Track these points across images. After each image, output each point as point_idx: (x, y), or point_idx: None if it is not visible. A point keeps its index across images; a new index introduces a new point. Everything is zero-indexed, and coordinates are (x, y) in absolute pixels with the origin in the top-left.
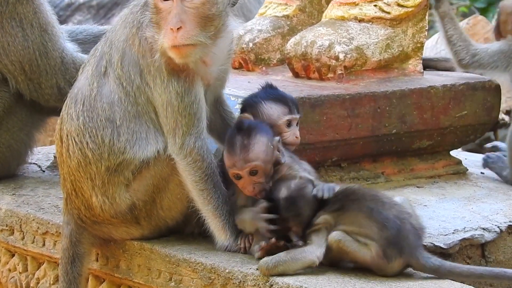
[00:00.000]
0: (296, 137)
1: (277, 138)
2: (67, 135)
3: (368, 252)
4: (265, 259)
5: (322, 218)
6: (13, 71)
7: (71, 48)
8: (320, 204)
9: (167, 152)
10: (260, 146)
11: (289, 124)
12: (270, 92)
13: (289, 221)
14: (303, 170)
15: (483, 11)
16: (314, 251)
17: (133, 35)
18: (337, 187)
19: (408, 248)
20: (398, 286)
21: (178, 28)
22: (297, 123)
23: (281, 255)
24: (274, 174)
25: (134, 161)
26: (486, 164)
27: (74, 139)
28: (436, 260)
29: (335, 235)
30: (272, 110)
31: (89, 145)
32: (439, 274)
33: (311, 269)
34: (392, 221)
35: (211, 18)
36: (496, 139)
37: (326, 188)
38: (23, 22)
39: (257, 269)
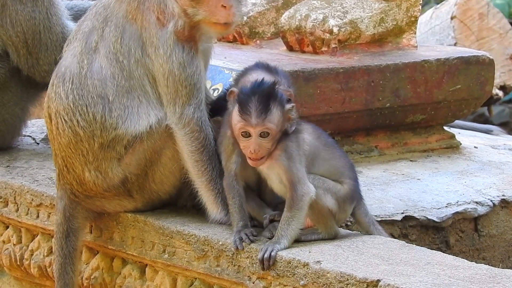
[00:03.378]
0: (250, 151)
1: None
2: (56, 114)
3: (342, 188)
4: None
5: None
6: (17, 43)
7: (71, 25)
8: None
9: (163, 123)
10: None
11: (245, 134)
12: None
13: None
14: None
15: None
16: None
17: (134, 10)
18: None
19: (360, 195)
20: (395, 256)
21: (231, 5)
22: (264, 134)
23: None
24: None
25: (127, 136)
26: None
27: (64, 118)
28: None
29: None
30: (234, 115)
31: (80, 123)
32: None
33: (303, 240)
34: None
35: None
36: (490, 115)
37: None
38: None
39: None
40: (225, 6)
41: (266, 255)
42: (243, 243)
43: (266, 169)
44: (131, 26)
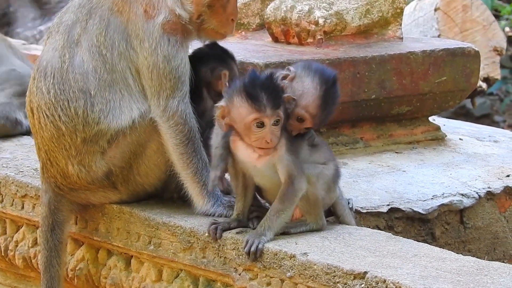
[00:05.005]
0: (266, 141)
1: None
2: (37, 108)
3: (329, 168)
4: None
5: None
6: None
7: None
8: None
9: (147, 117)
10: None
11: (260, 125)
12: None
13: None
14: None
15: None
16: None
17: (120, 2)
18: None
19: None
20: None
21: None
22: (276, 122)
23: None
24: None
25: (109, 131)
26: None
27: (45, 113)
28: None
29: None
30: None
31: (61, 118)
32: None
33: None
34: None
35: None
36: (473, 107)
37: None
38: None
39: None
40: (233, 20)
41: (253, 248)
42: (215, 232)
43: (262, 164)
44: (116, 18)
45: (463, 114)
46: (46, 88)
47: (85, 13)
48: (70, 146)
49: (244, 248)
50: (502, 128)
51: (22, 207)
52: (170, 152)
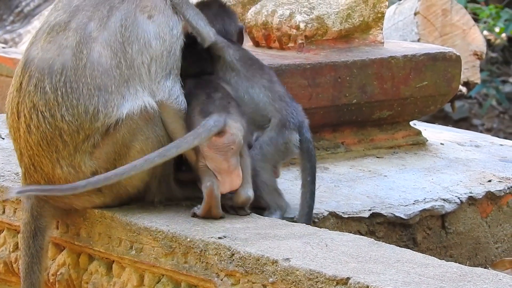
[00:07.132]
0: None
1: None
2: (30, 110)
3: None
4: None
5: None
6: None
7: None
8: None
9: (134, 114)
10: None
11: None
12: None
13: None
14: None
15: None
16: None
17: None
18: None
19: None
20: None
21: None
22: None
23: None
24: None
25: (108, 124)
26: None
27: (42, 114)
28: None
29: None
30: None
31: (65, 117)
32: None
33: (272, 237)
34: None
35: None
36: (453, 111)
37: None
38: None
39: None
40: None
41: None
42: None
43: None
44: (142, 14)
45: (442, 118)
46: (52, 86)
47: (106, 11)
48: (67, 145)
49: None
50: (481, 131)
51: (3, 212)
52: (175, 129)
